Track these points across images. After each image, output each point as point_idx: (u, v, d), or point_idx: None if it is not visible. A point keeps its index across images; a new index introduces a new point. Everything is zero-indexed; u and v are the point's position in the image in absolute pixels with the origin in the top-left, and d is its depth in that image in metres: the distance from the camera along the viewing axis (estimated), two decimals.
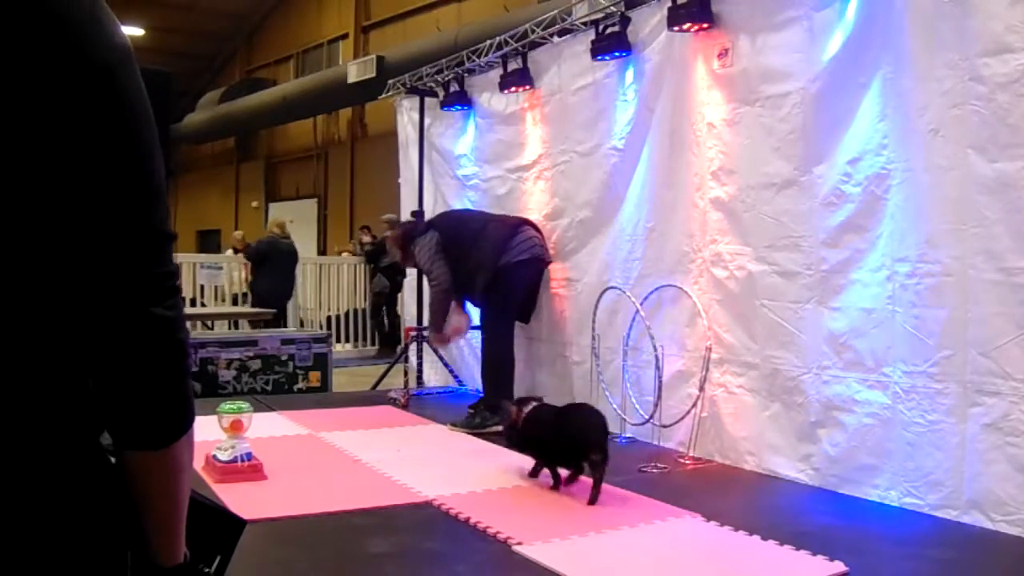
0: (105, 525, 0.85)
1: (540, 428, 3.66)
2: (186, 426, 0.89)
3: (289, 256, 8.96)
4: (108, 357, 0.83)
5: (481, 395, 5.16)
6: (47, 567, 0.80)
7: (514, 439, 3.81)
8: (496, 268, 5.08)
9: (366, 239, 10.58)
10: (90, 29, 0.81)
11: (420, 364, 6.69)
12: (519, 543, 2.92)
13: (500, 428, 4.25)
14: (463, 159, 6.39)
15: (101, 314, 0.82)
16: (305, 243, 17.77)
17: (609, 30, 4.78)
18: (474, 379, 6.07)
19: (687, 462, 4.14)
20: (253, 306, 8.74)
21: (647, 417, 4.41)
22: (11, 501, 0.78)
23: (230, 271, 9.50)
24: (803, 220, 3.77)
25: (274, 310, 8.25)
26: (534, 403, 3.79)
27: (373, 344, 9.74)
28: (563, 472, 3.63)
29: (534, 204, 5.55)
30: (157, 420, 0.87)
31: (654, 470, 3.98)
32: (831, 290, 3.65)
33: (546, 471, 3.70)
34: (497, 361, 5.07)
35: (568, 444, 3.53)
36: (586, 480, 3.62)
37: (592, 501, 3.39)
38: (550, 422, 3.65)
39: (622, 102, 4.88)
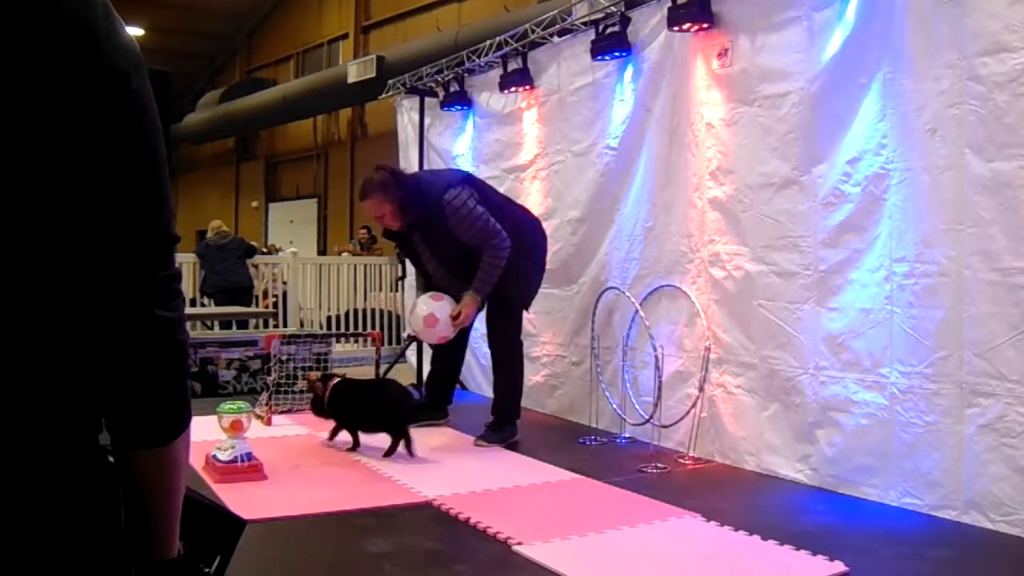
0: (102, 520, 0.86)
1: (350, 399, 4.32)
2: (184, 425, 0.91)
3: (222, 250, 9.25)
4: (110, 356, 0.85)
5: (496, 404, 4.64)
6: (45, 562, 0.81)
7: (320, 409, 4.38)
8: (543, 265, 4.65)
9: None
10: (106, 36, 0.82)
11: (420, 364, 6.69)
12: (519, 543, 2.93)
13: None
14: (459, 159, 6.39)
15: (105, 313, 0.84)
16: (305, 243, 17.84)
17: (609, 30, 4.78)
18: (473, 380, 6.06)
19: (687, 462, 4.15)
20: (208, 304, 9.25)
21: (647, 417, 4.42)
22: (10, 497, 0.78)
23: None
24: (801, 220, 3.77)
25: (233, 306, 8.59)
26: (337, 378, 4.42)
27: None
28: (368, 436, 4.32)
29: (530, 204, 5.55)
30: (157, 419, 0.88)
31: (654, 470, 3.99)
32: (829, 290, 3.65)
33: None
34: (521, 368, 4.67)
35: (382, 413, 4.22)
36: (588, 482, 3.65)
37: (412, 455, 4.14)
38: (361, 394, 4.32)
39: (619, 102, 4.88)
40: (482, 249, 4.28)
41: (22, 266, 0.78)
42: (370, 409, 4.27)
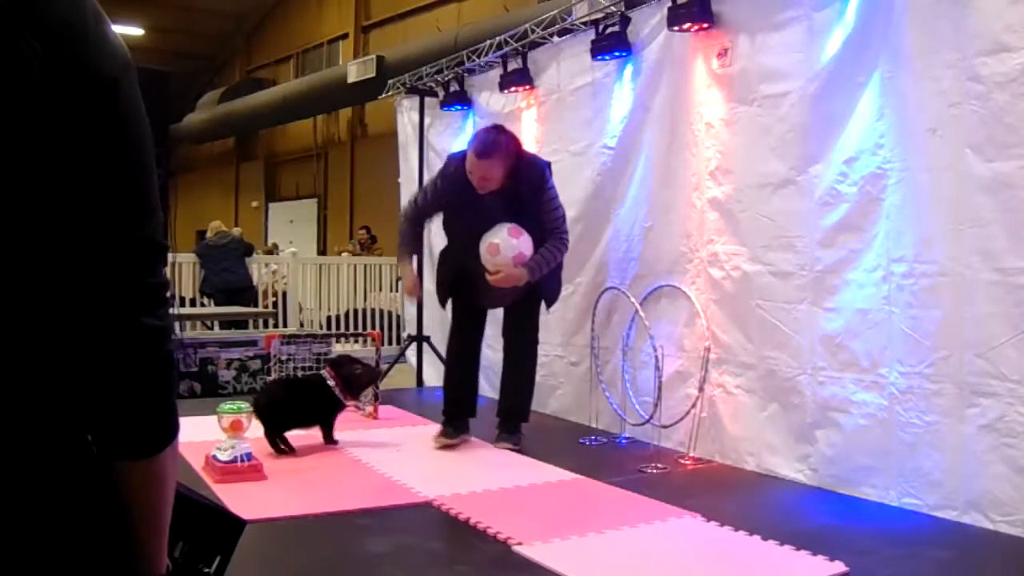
0: (93, 533, 0.85)
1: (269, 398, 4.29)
2: (170, 437, 0.90)
3: (221, 250, 9.31)
4: (96, 364, 0.83)
5: (516, 404, 4.51)
6: (35, 572, 0.80)
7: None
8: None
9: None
10: (94, 41, 0.81)
11: (420, 364, 6.69)
12: (519, 543, 2.93)
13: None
14: None
15: (92, 321, 0.82)
16: (305, 243, 17.85)
17: (609, 30, 4.78)
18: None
19: (687, 462, 4.15)
20: (208, 304, 9.31)
21: (647, 417, 4.42)
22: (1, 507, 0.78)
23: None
24: (798, 220, 3.77)
25: (233, 306, 8.67)
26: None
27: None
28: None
29: None
30: (142, 430, 0.87)
31: (654, 470, 3.99)
32: (825, 291, 3.65)
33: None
34: (536, 368, 4.59)
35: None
36: (588, 482, 3.66)
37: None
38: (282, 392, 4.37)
39: (619, 102, 4.88)
40: (550, 235, 4.22)
41: (8, 270, 0.77)
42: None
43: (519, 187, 4.18)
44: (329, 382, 4.27)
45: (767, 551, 2.89)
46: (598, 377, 4.88)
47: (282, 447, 4.17)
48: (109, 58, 0.82)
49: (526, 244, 4.14)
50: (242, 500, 3.27)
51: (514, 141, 4.24)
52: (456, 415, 4.46)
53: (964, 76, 3.11)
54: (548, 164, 4.39)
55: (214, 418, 3.78)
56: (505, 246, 4.14)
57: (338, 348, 7.34)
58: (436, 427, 4.79)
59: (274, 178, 21.80)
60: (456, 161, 4.30)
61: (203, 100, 19.85)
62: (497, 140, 4.15)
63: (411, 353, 6.86)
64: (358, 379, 4.39)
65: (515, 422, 4.46)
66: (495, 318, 4.63)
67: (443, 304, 4.64)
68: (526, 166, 4.22)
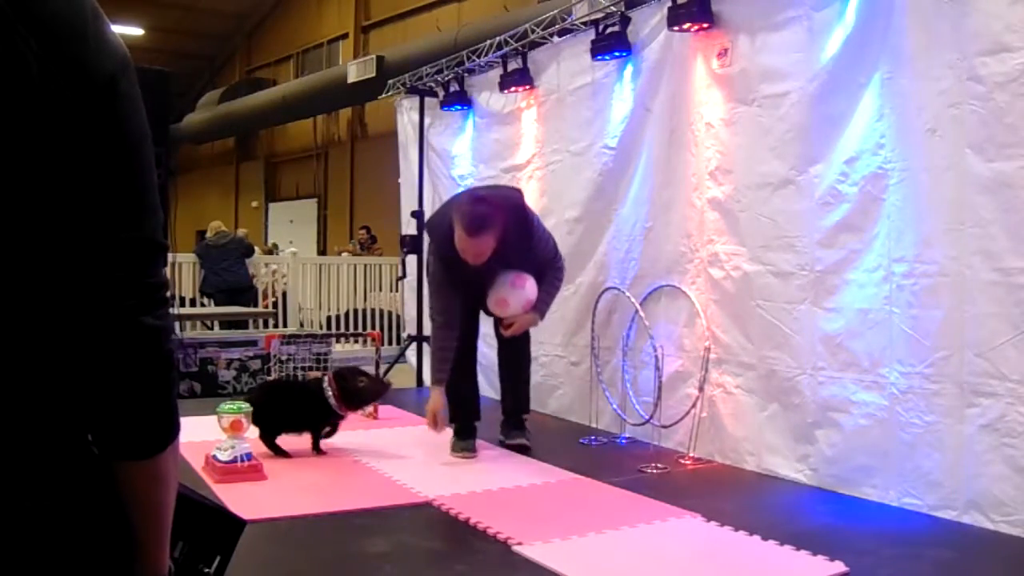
0: (93, 534, 0.85)
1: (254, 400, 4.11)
2: (171, 437, 0.89)
3: (221, 250, 9.36)
4: (96, 365, 0.83)
5: (518, 399, 4.56)
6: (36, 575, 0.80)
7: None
8: None
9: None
10: (92, 39, 0.81)
11: (420, 364, 6.69)
12: (519, 543, 2.93)
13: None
14: (458, 158, 6.40)
15: (91, 321, 0.82)
16: (305, 243, 17.86)
17: (609, 30, 4.78)
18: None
19: (687, 462, 4.15)
20: (208, 304, 9.35)
21: (647, 417, 4.42)
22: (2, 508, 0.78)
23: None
24: (798, 220, 3.77)
25: (233, 306, 8.72)
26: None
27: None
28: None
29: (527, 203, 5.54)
30: (143, 430, 0.87)
31: (654, 470, 3.99)
32: (825, 291, 3.65)
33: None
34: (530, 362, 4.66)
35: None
36: (588, 482, 3.68)
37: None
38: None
39: (619, 101, 4.88)
40: (546, 267, 4.21)
41: (7, 270, 0.77)
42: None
43: (508, 242, 4.05)
44: (327, 391, 4.16)
45: (767, 551, 2.89)
46: (598, 377, 4.88)
47: (278, 450, 4.16)
48: (108, 56, 0.82)
49: (531, 289, 4.15)
50: (242, 500, 3.27)
51: (495, 207, 4.02)
52: (469, 422, 4.39)
53: (964, 76, 3.11)
54: (520, 192, 4.41)
55: (214, 418, 3.78)
56: (514, 299, 4.15)
57: (338, 348, 7.35)
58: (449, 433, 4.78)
59: (274, 178, 21.81)
60: (439, 231, 4.15)
61: (203, 100, 19.86)
62: (484, 214, 3.97)
63: (411, 353, 6.86)
64: (359, 392, 4.24)
65: (521, 418, 4.48)
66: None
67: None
68: (511, 219, 4.06)
